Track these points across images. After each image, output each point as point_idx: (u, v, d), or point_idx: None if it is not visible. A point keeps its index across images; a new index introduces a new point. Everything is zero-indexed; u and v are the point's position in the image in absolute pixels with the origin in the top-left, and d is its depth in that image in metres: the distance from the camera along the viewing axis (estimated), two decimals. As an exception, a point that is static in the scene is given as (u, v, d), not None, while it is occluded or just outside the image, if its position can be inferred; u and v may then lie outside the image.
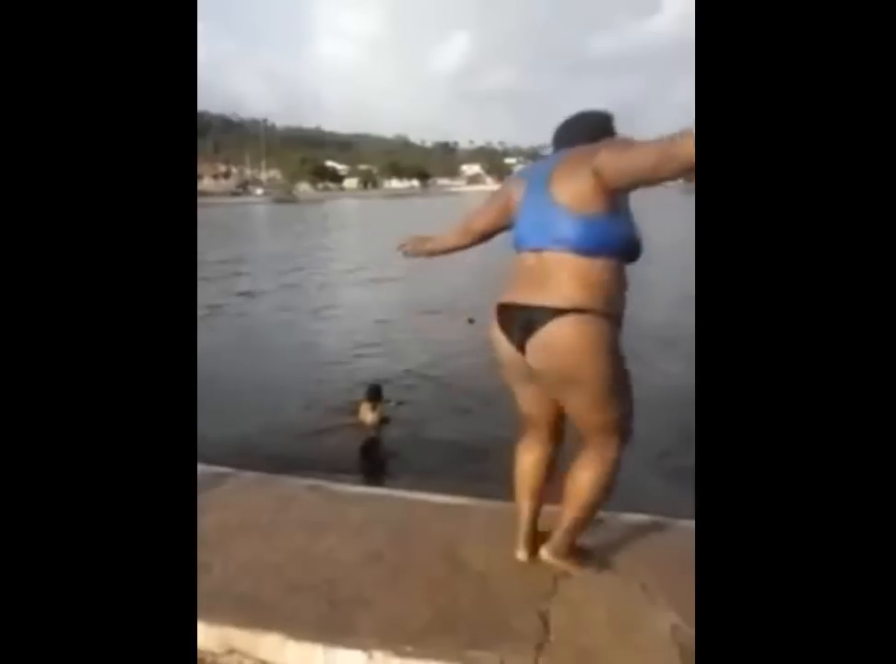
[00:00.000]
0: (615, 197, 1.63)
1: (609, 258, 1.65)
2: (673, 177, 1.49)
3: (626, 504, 2.24)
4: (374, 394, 4.51)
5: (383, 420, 4.49)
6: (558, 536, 1.91)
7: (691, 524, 2.16)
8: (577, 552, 1.95)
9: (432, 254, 2.18)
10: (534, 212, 1.74)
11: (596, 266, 1.63)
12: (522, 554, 1.99)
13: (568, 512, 1.86)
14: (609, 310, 1.65)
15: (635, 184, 1.59)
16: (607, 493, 1.83)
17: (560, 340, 1.63)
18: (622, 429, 1.79)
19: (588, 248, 1.63)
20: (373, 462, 3.94)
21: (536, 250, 1.70)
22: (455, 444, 4.04)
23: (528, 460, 1.98)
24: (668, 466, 3.54)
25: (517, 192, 1.84)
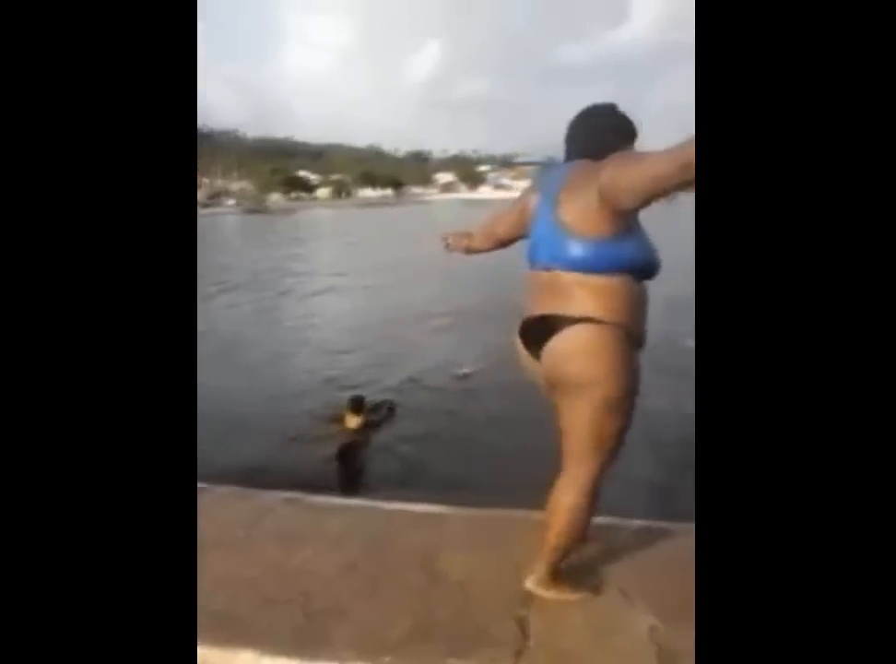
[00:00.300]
0: (624, 217, 1.59)
1: (622, 275, 1.62)
2: (686, 186, 1.41)
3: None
4: (357, 404, 4.55)
5: (368, 425, 4.52)
6: (540, 566, 1.84)
7: (669, 526, 2.18)
8: (562, 580, 1.86)
9: (469, 251, 2.16)
10: (544, 230, 1.71)
11: (610, 282, 1.62)
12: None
13: (548, 538, 1.78)
14: (623, 322, 1.63)
15: (647, 200, 1.51)
16: (588, 517, 1.75)
17: (570, 345, 1.63)
18: (612, 447, 1.69)
19: (596, 269, 1.61)
20: (350, 469, 3.90)
21: (548, 268, 1.69)
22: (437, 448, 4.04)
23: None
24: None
25: (531, 203, 1.82)
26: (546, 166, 1.78)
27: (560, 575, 1.86)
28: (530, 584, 1.87)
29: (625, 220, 1.60)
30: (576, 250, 1.61)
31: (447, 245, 2.23)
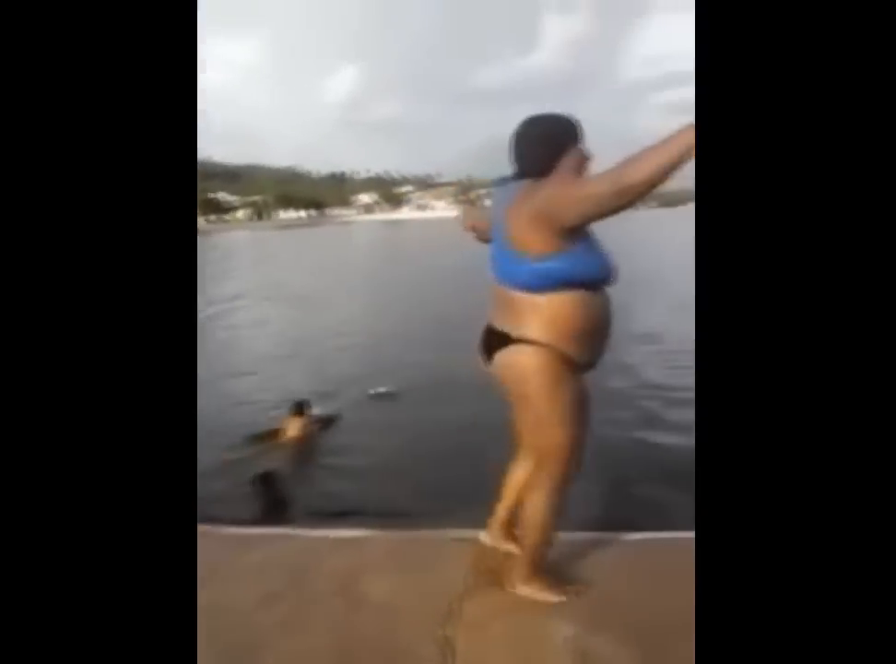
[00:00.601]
0: (568, 234, 1.59)
1: (569, 292, 1.65)
2: (627, 207, 1.45)
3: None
4: (299, 408, 4.65)
5: (311, 430, 4.53)
6: (519, 564, 1.94)
7: (588, 536, 2.24)
8: (543, 578, 1.95)
9: (481, 238, 2.10)
10: (496, 245, 1.75)
11: (554, 302, 1.64)
12: (488, 539, 2.19)
13: (524, 537, 1.91)
14: (559, 343, 1.66)
15: (588, 221, 1.54)
16: (557, 515, 1.84)
17: (506, 363, 1.73)
18: (564, 457, 1.77)
19: (540, 288, 1.64)
20: (271, 496, 3.77)
21: (500, 283, 1.74)
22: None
23: (512, 477, 2.12)
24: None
25: (490, 217, 1.84)
26: (502, 180, 1.78)
27: (540, 573, 1.94)
28: (515, 586, 1.95)
29: (569, 236, 1.61)
30: (520, 269, 1.65)
31: (465, 227, 2.18)
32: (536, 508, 1.83)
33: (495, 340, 1.77)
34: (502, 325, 1.75)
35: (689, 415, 4.92)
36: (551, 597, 1.92)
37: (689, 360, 5.79)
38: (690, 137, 1.29)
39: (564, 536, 2.27)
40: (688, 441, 4.42)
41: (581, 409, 1.76)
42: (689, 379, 5.35)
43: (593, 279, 1.68)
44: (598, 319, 1.72)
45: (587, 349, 1.72)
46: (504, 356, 1.73)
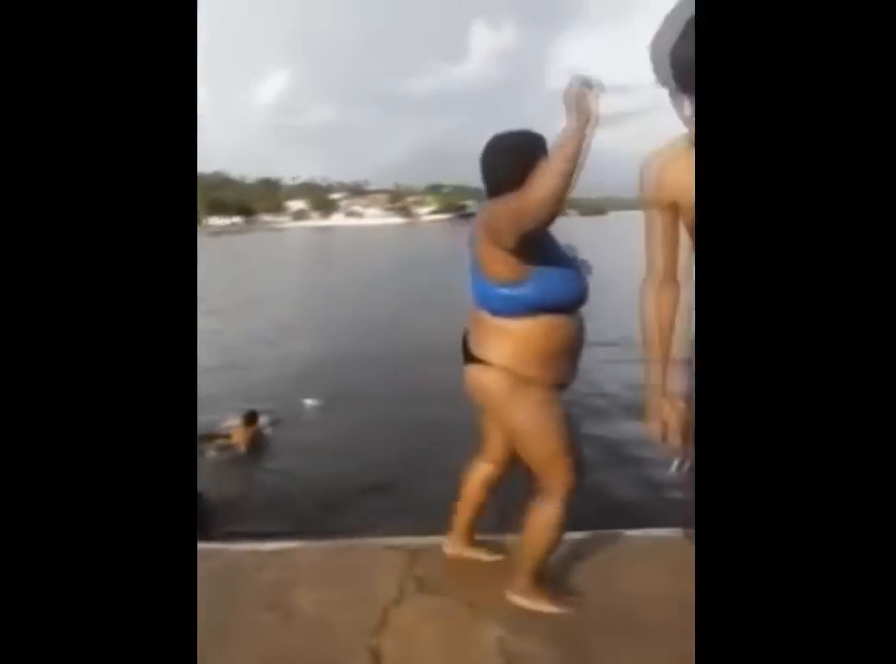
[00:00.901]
0: (530, 257, 1.60)
1: (541, 316, 1.66)
2: (556, 213, 1.44)
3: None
4: (251, 418, 4.75)
5: (256, 438, 4.59)
6: (518, 577, 1.93)
7: (510, 539, 2.29)
8: (542, 589, 1.93)
9: None
10: (472, 266, 1.76)
11: (525, 326, 1.67)
12: (450, 549, 2.18)
13: (525, 547, 1.91)
14: (522, 368, 1.68)
15: (521, 237, 1.52)
16: (559, 528, 1.84)
17: (469, 379, 1.79)
18: (555, 471, 1.78)
19: (511, 313, 1.67)
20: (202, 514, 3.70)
21: (475, 304, 1.78)
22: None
23: (474, 475, 2.11)
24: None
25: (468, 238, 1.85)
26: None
27: (539, 585, 1.94)
28: (513, 595, 1.94)
29: (532, 259, 1.62)
30: (492, 294, 1.69)
31: None
32: (537, 527, 1.83)
33: (466, 353, 1.81)
34: (471, 340, 1.79)
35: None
36: (551, 608, 1.91)
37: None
38: (579, 128, 1.34)
39: (499, 537, 2.33)
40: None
41: (558, 424, 1.76)
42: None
43: (564, 304, 1.70)
44: (569, 340, 1.74)
45: (555, 370, 1.74)
46: (469, 370, 1.79)
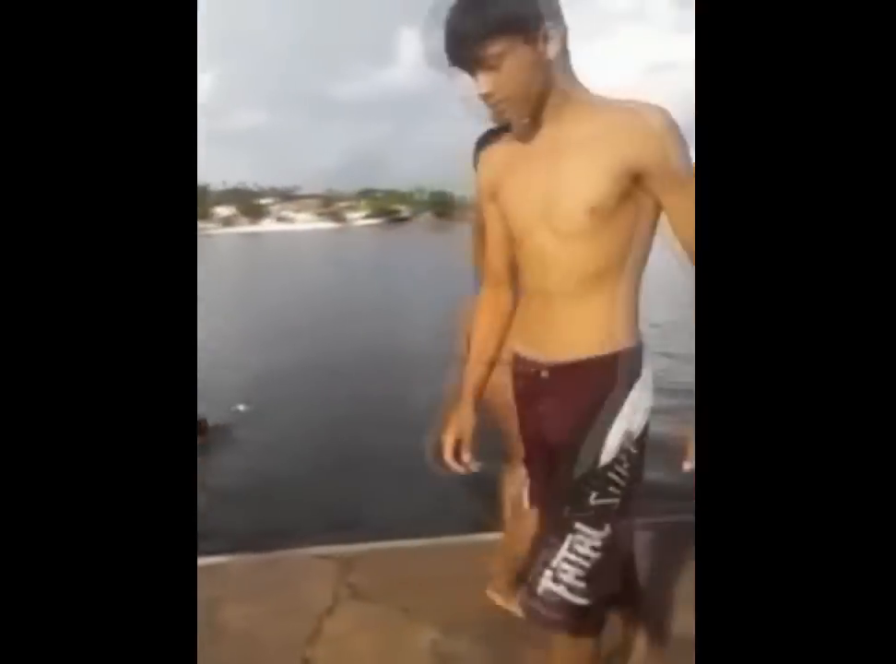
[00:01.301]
0: None
1: None
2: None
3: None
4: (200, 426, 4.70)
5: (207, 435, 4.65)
6: (501, 573, 1.92)
7: (442, 541, 2.31)
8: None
9: None
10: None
11: None
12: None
13: (505, 551, 1.90)
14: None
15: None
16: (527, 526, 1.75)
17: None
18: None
19: None
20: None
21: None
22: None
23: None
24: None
25: None
26: None
27: (517, 586, 1.87)
28: (494, 596, 1.92)
29: None
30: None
31: None
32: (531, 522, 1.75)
33: None
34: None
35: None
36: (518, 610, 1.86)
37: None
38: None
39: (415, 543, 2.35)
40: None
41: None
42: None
43: None
44: None
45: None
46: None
